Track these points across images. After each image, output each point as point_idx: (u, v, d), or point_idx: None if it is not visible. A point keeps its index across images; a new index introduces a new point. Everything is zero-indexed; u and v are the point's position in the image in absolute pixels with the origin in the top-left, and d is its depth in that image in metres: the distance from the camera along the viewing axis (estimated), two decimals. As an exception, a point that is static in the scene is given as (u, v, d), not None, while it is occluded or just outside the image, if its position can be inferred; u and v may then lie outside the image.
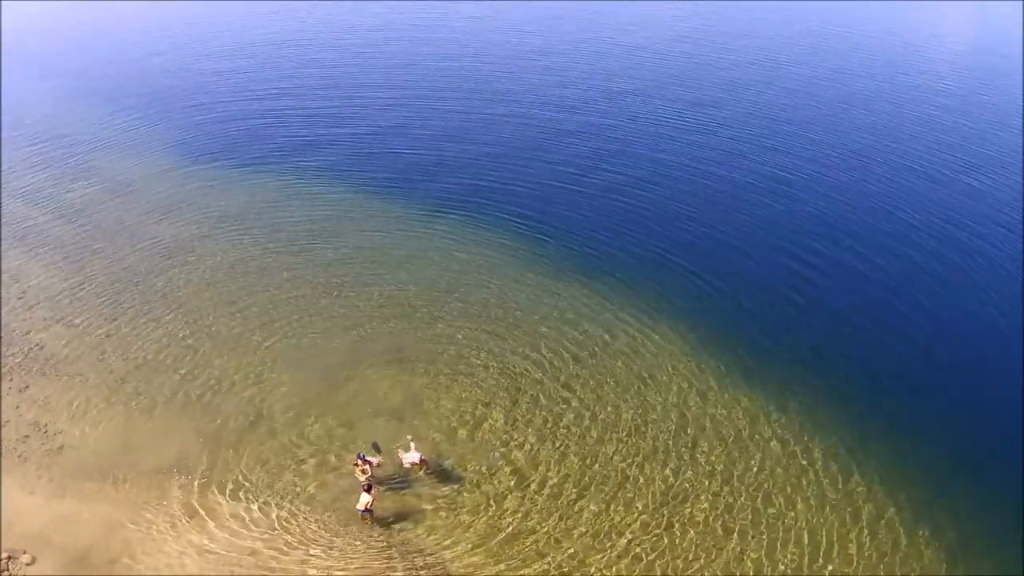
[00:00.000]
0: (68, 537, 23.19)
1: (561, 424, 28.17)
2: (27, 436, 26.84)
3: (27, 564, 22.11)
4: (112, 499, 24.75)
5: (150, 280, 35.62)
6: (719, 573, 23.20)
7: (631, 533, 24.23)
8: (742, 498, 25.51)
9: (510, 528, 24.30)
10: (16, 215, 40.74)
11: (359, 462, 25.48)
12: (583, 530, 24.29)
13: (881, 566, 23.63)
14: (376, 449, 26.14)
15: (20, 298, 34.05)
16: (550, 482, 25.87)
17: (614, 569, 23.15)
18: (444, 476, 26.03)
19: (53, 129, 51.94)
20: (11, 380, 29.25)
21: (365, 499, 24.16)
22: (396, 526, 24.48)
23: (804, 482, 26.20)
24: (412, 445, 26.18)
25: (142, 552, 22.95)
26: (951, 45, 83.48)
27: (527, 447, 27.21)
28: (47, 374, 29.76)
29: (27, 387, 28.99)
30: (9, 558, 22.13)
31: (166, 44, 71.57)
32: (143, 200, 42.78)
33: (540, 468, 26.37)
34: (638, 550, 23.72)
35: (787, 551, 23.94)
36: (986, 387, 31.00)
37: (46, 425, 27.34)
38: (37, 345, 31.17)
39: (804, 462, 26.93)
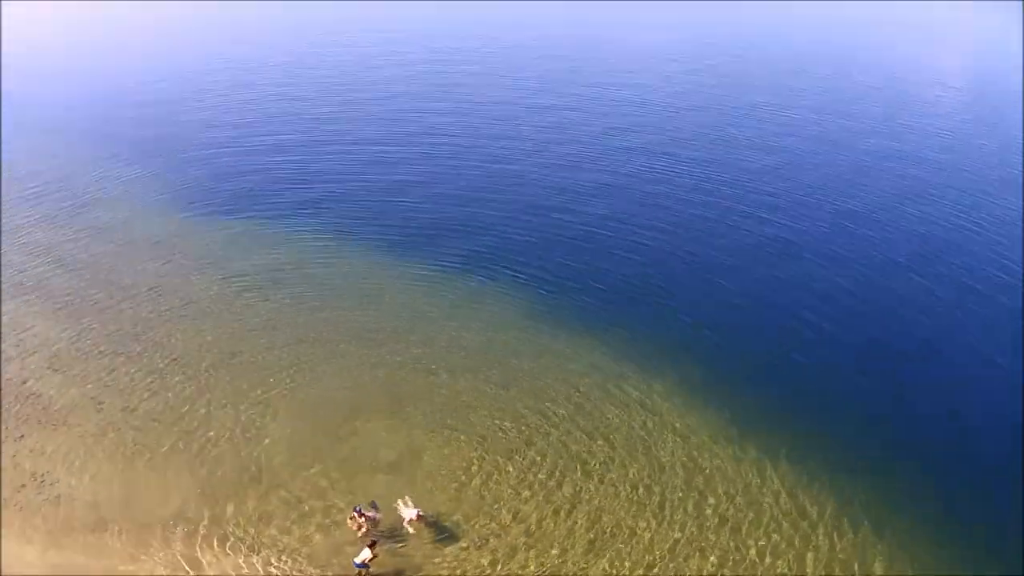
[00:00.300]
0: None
1: (567, 478, 27.80)
2: (23, 485, 26.38)
3: (20, 619, 21.50)
4: (107, 551, 24.23)
5: (147, 329, 35.33)
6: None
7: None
8: (751, 553, 25.13)
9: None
10: (13, 263, 40.60)
11: (356, 516, 25.11)
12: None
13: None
14: (374, 507, 25.69)
15: (17, 346, 33.71)
16: (558, 539, 25.40)
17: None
18: (448, 533, 25.54)
19: (51, 176, 51.99)
20: (8, 429, 28.83)
21: (366, 554, 23.68)
22: (396, 585, 23.94)
23: (814, 536, 25.83)
24: (410, 502, 25.84)
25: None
26: (951, 75, 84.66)
27: (534, 502, 26.79)
28: (43, 423, 29.37)
29: (23, 436, 28.58)
30: (1, 612, 21.54)
31: (166, 90, 72.18)
32: (141, 249, 42.67)
33: (547, 523, 25.94)
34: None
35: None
36: (1001, 439, 30.81)
37: (43, 475, 26.87)
38: (34, 394, 30.82)
39: (814, 515, 26.59)
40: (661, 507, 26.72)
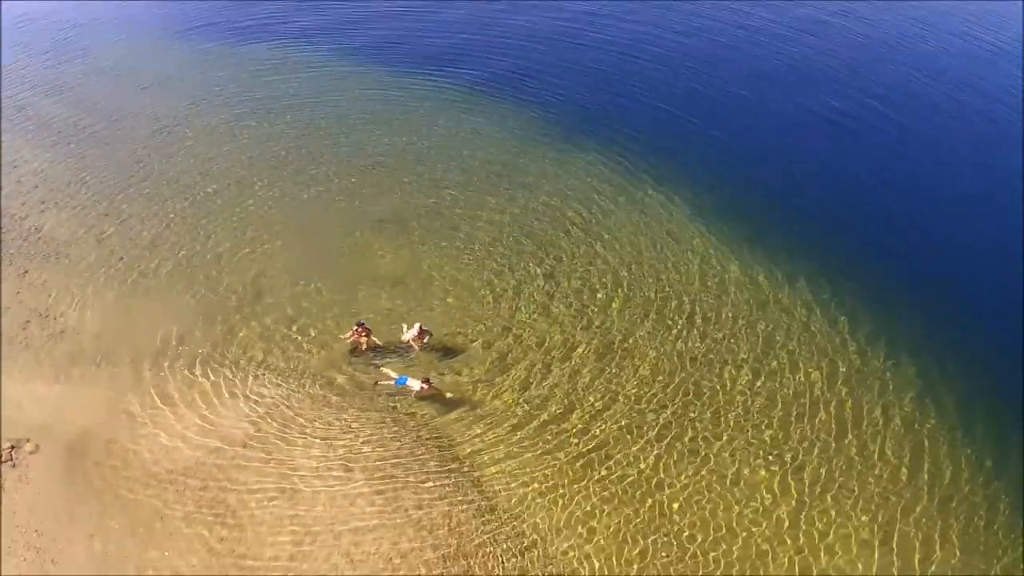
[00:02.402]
0: (69, 422, 22.55)
1: (585, 292, 27.03)
2: (28, 322, 26.08)
3: (30, 452, 21.67)
4: (112, 382, 23.96)
5: (145, 156, 34.21)
6: (746, 443, 22.40)
7: (669, 405, 23.35)
8: (772, 364, 24.50)
9: (536, 401, 23.37)
10: (7, 95, 39.00)
11: (358, 329, 24.63)
12: (620, 407, 23.28)
13: (909, 437, 22.70)
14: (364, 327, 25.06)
15: (17, 182, 32.82)
16: (584, 359, 24.68)
17: (653, 452, 22.03)
18: (459, 352, 24.95)
19: (43, 6, 49.34)
20: (10, 265, 28.35)
21: (415, 385, 23.18)
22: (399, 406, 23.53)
23: (831, 348, 25.07)
24: (404, 327, 25.18)
25: (141, 435, 22.25)
26: None
27: (552, 316, 26.11)
28: (46, 257, 28.82)
29: (26, 272, 28.08)
30: (12, 447, 21.70)
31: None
32: (136, 75, 40.76)
33: (568, 340, 25.22)
34: (674, 421, 22.92)
35: (815, 424, 22.89)
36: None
37: (46, 310, 26.52)
38: (35, 228, 30.11)
39: (832, 335, 25.67)
40: (685, 319, 25.97)
